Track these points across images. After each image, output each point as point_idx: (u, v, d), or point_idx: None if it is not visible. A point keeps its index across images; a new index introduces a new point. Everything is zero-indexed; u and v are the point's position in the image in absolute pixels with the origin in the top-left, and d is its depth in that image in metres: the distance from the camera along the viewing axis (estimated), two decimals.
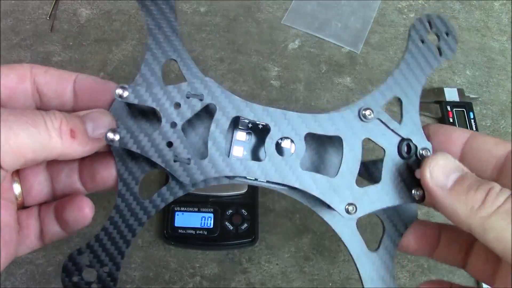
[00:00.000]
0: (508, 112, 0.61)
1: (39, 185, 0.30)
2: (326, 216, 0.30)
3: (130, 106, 0.29)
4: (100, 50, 0.61)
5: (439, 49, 0.30)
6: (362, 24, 0.65)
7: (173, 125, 0.28)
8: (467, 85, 0.62)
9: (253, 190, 0.52)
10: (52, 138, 0.25)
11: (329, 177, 0.28)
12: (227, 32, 0.63)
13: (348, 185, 0.28)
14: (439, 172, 0.26)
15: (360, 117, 0.29)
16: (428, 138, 0.29)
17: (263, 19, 0.65)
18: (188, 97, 0.28)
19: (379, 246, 0.30)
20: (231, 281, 0.50)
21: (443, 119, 0.58)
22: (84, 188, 0.31)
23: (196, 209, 0.51)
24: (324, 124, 0.28)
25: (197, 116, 0.29)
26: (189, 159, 0.28)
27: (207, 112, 0.29)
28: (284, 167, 0.28)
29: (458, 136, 0.29)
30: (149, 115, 0.29)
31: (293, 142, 0.28)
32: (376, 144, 0.29)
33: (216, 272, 0.50)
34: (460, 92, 0.60)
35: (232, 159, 0.28)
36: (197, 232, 0.50)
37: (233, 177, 0.29)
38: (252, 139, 0.31)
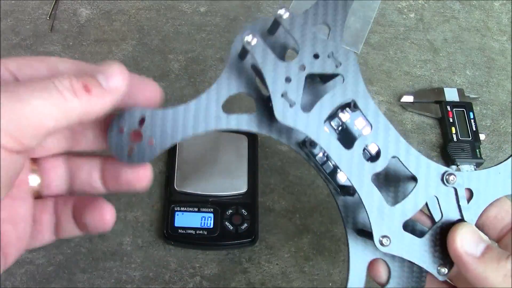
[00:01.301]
0: (508, 112, 0.61)
1: (59, 179, 0.29)
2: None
3: (272, 31, 0.28)
4: (100, 50, 0.61)
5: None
6: (362, 24, 0.65)
7: (302, 68, 0.27)
8: (467, 85, 0.62)
9: (253, 190, 0.52)
10: (67, 98, 0.23)
11: (386, 202, 0.28)
12: (227, 32, 0.63)
13: (395, 220, 0.28)
14: (469, 241, 0.27)
15: (442, 180, 0.29)
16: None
17: None
18: (328, 56, 0.27)
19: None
20: (231, 281, 0.50)
21: (443, 119, 0.58)
22: (105, 188, 0.30)
23: (196, 209, 0.51)
24: (411, 158, 0.29)
25: (321, 76, 0.29)
26: (294, 103, 0.27)
27: (330, 78, 0.29)
28: (355, 166, 0.28)
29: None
30: (283, 50, 0.29)
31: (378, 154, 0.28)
32: (439, 205, 0.29)
33: (216, 272, 0.50)
34: (460, 92, 0.60)
35: (325, 127, 0.28)
36: (197, 232, 0.50)
37: (310, 143, 0.30)
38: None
